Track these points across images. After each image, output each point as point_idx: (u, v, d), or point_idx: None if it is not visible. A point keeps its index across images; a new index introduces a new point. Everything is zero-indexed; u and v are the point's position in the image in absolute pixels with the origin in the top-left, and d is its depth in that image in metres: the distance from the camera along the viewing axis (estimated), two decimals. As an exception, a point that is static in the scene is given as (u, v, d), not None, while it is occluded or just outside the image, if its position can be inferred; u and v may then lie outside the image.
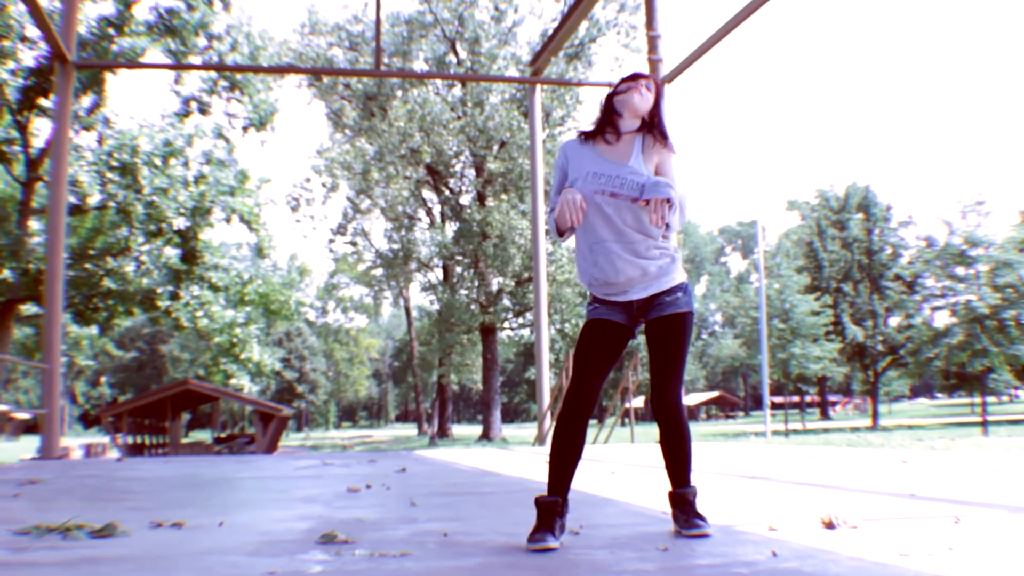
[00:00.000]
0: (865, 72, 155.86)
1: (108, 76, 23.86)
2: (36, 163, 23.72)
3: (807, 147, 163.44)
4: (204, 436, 47.17)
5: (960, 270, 32.71)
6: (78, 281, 24.32)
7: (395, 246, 37.42)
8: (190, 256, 25.91)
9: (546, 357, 13.01)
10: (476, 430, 51.28)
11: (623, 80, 3.10)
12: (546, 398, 13.07)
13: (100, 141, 24.30)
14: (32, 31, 21.87)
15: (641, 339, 12.04)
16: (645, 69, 11.73)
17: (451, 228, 36.79)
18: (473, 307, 35.67)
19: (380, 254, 39.26)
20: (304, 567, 2.44)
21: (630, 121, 3.06)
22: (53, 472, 7.11)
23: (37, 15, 10.02)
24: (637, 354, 16.10)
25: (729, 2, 10.30)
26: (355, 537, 2.99)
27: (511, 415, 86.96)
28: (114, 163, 23.62)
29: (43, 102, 22.87)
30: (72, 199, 22.39)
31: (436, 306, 39.32)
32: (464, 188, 37.96)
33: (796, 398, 54.03)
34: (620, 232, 2.91)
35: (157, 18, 24.46)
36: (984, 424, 29.91)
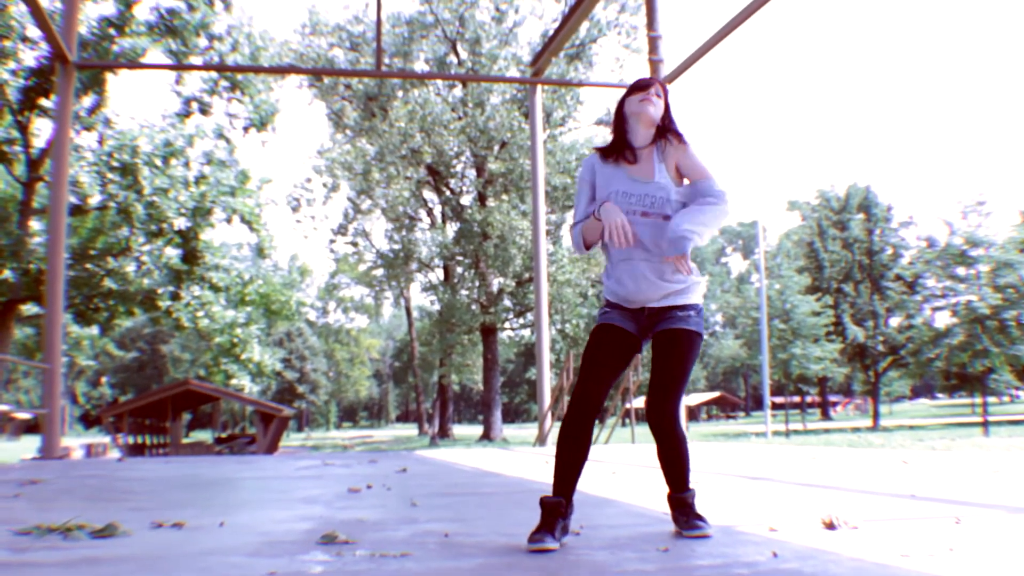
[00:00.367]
0: (866, 72, 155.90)
1: (109, 76, 23.86)
2: (37, 163, 23.73)
3: (808, 147, 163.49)
4: (205, 436, 47.21)
5: (961, 270, 32.71)
6: (79, 281, 24.34)
7: (396, 246, 37.44)
8: (191, 256, 25.92)
9: (547, 357, 13.00)
10: (477, 430, 51.28)
11: (632, 90, 3.07)
12: (547, 398, 13.07)
13: (101, 141, 24.31)
14: (33, 31, 21.88)
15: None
16: (646, 70, 11.73)
17: (452, 228, 36.81)
18: (474, 307, 35.68)
19: (381, 254, 39.27)
20: (305, 568, 2.44)
21: (644, 132, 3.05)
22: (54, 472, 7.11)
23: (38, 15, 10.03)
24: (638, 354, 16.08)
25: (730, 3, 10.31)
26: (356, 538, 2.99)
27: (512, 415, 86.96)
28: (115, 163, 23.62)
29: (44, 102, 22.88)
30: (73, 199, 22.40)
31: (437, 306, 39.34)
32: (465, 188, 37.98)
33: (797, 398, 54.06)
34: (649, 251, 2.93)
35: (158, 18, 24.45)
36: (985, 424, 29.91)
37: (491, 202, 34.55)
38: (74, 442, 38.22)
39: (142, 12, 24.49)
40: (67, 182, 10.93)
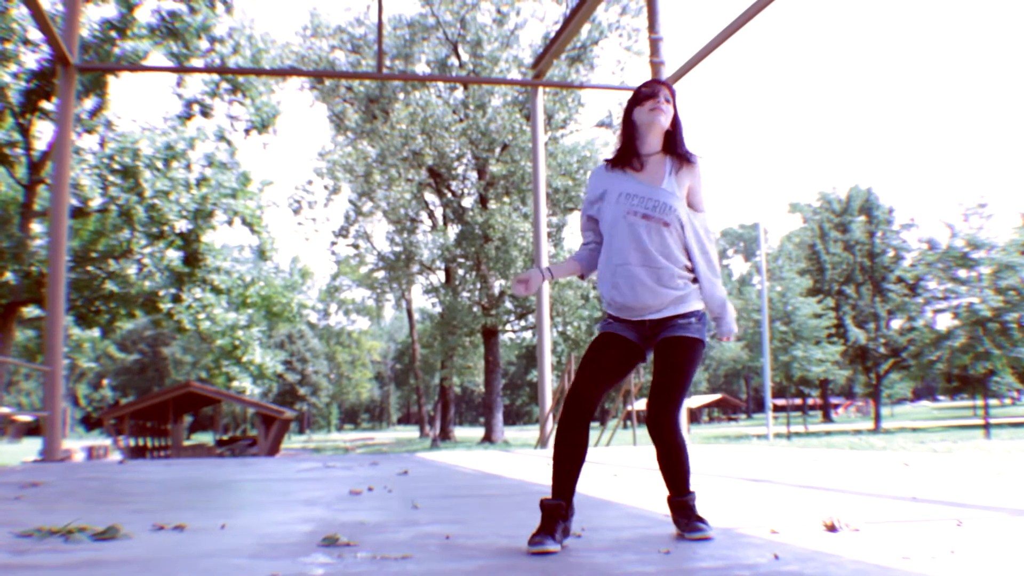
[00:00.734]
0: (867, 75, 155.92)
1: (110, 79, 23.89)
2: (38, 166, 23.75)
3: (809, 150, 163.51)
4: (206, 439, 47.22)
5: (962, 273, 32.66)
6: (80, 284, 24.35)
7: (397, 248, 37.45)
8: (192, 259, 25.93)
9: (548, 359, 13.01)
10: (478, 432, 51.24)
11: (640, 98, 3.02)
12: (548, 400, 13.07)
13: (102, 144, 24.34)
14: (35, 34, 21.92)
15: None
16: (647, 72, 11.74)
17: (453, 231, 36.81)
18: (475, 309, 35.68)
19: (382, 256, 39.26)
20: (306, 570, 2.44)
21: (654, 140, 3.02)
22: (55, 474, 7.11)
23: (40, 18, 10.04)
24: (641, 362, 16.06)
25: (731, 4, 10.31)
26: (357, 540, 2.99)
27: (513, 417, 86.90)
28: (116, 166, 23.64)
29: (45, 105, 22.91)
30: (74, 202, 22.41)
31: (438, 308, 39.33)
32: (466, 191, 37.98)
33: (798, 400, 54.05)
34: (647, 255, 2.90)
35: (159, 21, 24.48)
36: (986, 427, 29.85)
37: (492, 204, 34.56)
38: (75, 444, 38.22)
39: (143, 15, 24.54)
40: (68, 184, 10.94)
